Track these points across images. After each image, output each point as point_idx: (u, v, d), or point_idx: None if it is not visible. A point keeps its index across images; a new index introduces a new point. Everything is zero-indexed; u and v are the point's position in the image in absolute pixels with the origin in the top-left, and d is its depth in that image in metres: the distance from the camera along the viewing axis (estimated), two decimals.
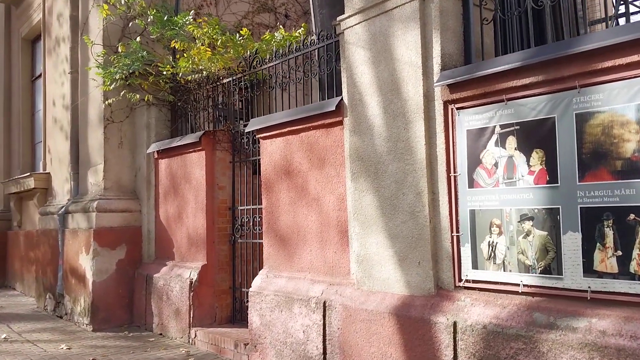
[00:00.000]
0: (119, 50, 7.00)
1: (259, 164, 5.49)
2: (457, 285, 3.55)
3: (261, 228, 5.68)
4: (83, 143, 7.91)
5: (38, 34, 10.64)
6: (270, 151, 5.22)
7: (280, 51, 5.47)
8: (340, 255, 4.42)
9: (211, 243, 6.20)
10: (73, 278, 7.46)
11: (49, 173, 9.57)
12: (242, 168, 6.27)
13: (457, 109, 3.57)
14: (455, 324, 3.41)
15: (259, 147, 5.59)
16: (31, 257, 9.97)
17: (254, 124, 5.35)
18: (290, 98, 5.23)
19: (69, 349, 5.99)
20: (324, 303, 4.36)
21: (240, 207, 6.19)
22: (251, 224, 5.97)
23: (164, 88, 6.87)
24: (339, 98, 4.45)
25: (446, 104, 3.63)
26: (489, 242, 3.38)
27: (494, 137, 3.37)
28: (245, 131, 5.61)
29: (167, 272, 6.61)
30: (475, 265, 3.46)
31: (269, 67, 5.56)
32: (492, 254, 3.37)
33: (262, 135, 5.31)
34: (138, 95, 6.83)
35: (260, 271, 5.30)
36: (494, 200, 3.38)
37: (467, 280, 3.49)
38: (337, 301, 4.26)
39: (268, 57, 5.66)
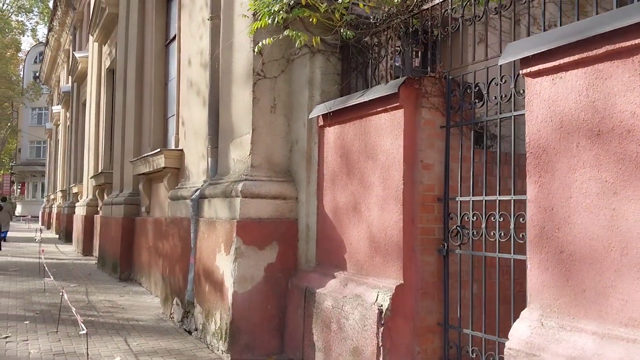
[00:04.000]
0: None
1: (499, 130, 3.23)
2: None
3: (503, 234, 3.41)
4: (224, 108, 6.09)
5: None
6: (552, 97, 2.90)
7: None
8: None
9: (410, 251, 4.03)
10: (207, 284, 5.67)
11: (181, 150, 7.98)
12: (461, 137, 4.02)
13: None
14: None
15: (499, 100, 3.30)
16: (159, 249, 8.47)
17: (519, 49, 3.05)
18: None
19: None
20: None
21: (459, 198, 3.94)
22: (483, 225, 3.68)
23: (338, 24, 4.79)
24: None
25: None
26: None
27: None
28: (500, 64, 3.29)
29: (338, 289, 4.53)
30: None
31: None
32: None
33: (533, 68, 3.01)
34: (303, 37, 4.78)
35: (526, 312, 3.01)
36: None
37: None
38: None
39: None
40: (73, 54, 19.46)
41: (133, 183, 10.42)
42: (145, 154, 8.91)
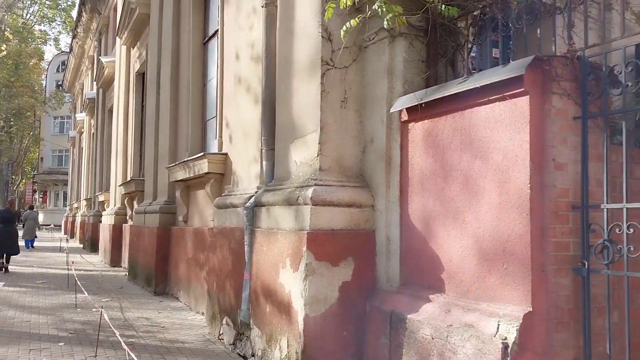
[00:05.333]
0: None
1: None
2: None
3: None
4: (283, 105, 5.39)
5: None
6: None
7: None
8: None
9: (539, 271, 3.26)
10: (268, 304, 4.94)
11: (226, 154, 7.31)
12: (606, 131, 3.26)
13: None
14: None
15: None
16: (201, 262, 7.80)
17: None
18: None
19: None
20: None
21: (605, 206, 3.17)
22: None
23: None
24: None
25: None
26: None
27: None
28: None
29: (438, 315, 3.77)
30: None
31: None
32: None
33: None
34: (397, 9, 4.00)
35: None
36: None
37: None
38: None
39: None
40: (99, 59, 19.01)
41: (168, 190, 9.76)
42: (185, 159, 8.25)
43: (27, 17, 45.53)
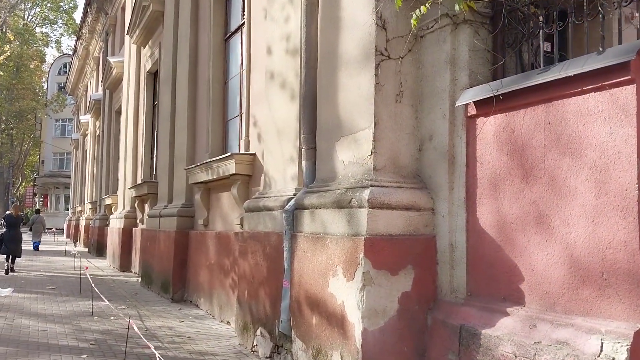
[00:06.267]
0: None
1: None
2: None
3: None
4: (326, 100, 5.01)
5: None
6: None
7: None
8: None
9: None
10: (315, 315, 4.55)
11: (254, 154, 6.93)
12: None
13: None
14: None
15: None
16: (226, 268, 7.42)
17: None
18: None
19: None
20: None
21: None
22: None
23: None
24: None
25: None
26: None
27: None
28: None
29: (521, 331, 3.38)
30: None
31: None
32: None
33: None
34: (458, 1, 3.64)
35: None
36: None
37: None
38: None
39: None
40: (107, 59, 18.64)
41: (186, 193, 9.37)
42: (208, 160, 7.85)
43: (29, 19, 45.19)
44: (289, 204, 5.16)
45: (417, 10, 3.70)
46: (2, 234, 14.72)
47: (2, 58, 37.30)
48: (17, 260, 14.13)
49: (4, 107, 41.82)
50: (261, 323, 5.61)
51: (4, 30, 37.70)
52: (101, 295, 7.24)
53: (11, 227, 13.98)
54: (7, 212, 15.99)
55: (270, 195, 5.85)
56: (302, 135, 5.33)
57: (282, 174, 5.81)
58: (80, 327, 6.97)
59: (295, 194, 5.31)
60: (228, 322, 7.24)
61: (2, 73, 38.69)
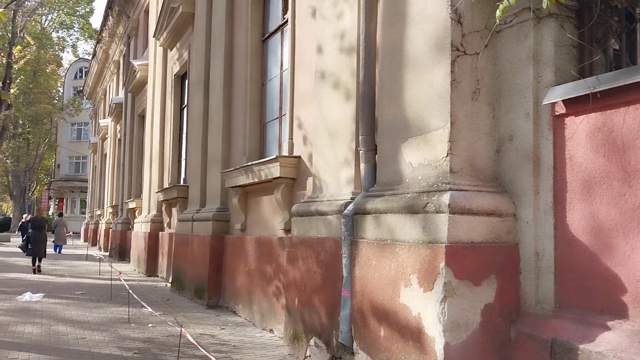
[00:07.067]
0: None
1: None
2: None
3: None
4: (389, 99, 4.76)
5: None
6: None
7: None
8: None
9: None
10: (383, 327, 4.29)
11: (299, 157, 6.70)
12: None
13: None
14: None
15: None
16: (267, 274, 7.19)
17: None
18: None
19: None
20: None
21: None
22: None
23: None
24: None
25: None
26: None
27: None
28: None
29: (629, 347, 3.11)
30: None
31: None
32: None
33: None
34: None
35: None
36: None
37: None
38: None
39: None
40: (131, 63, 18.54)
41: (221, 197, 9.16)
42: (249, 163, 7.64)
43: (45, 23, 45.42)
44: (347, 208, 4.92)
45: (505, 0, 3.45)
46: (27, 236, 15.06)
47: (22, 62, 37.49)
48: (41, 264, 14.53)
49: (22, 112, 42.03)
50: (315, 333, 5.37)
51: (23, 35, 37.86)
52: (142, 302, 7.04)
53: (36, 229, 14.77)
54: (31, 216, 16.55)
55: (322, 200, 5.61)
56: (359, 137, 5.09)
57: (335, 177, 5.57)
58: (119, 335, 6.76)
59: (352, 198, 5.08)
60: (271, 330, 7.00)
61: (21, 77, 38.89)
